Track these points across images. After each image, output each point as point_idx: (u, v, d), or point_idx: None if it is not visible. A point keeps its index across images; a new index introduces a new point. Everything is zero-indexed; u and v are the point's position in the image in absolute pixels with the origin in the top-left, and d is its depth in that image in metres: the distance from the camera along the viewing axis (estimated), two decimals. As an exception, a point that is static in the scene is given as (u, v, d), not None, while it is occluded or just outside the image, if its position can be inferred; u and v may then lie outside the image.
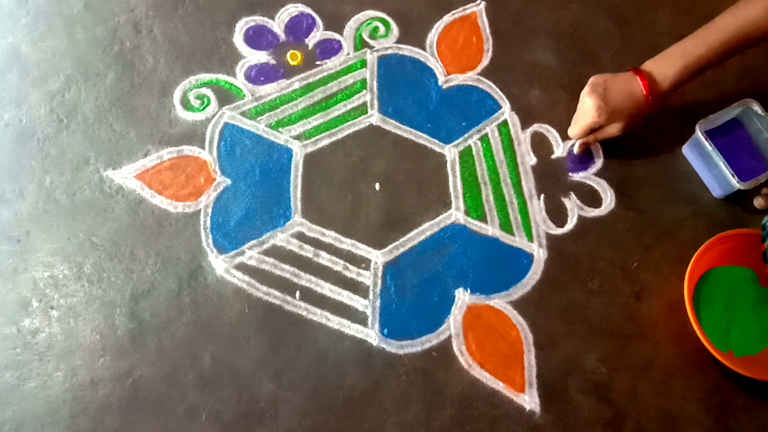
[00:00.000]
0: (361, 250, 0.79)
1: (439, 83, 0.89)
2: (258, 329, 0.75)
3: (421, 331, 0.76)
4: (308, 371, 0.73)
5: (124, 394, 0.71)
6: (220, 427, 0.71)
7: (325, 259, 0.78)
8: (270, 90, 0.87)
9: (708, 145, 0.79)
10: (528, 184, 0.84)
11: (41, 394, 0.71)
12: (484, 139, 0.86)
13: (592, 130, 0.80)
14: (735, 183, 0.77)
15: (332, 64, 0.89)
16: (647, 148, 0.86)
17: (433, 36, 0.92)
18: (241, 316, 0.75)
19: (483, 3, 0.95)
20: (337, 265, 0.78)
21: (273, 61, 0.89)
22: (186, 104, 0.86)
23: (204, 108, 0.85)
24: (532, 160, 0.85)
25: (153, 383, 0.72)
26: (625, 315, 0.77)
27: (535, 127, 0.87)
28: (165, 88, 0.86)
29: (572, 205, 0.83)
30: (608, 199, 0.83)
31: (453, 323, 0.76)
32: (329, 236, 0.80)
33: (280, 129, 0.85)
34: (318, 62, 0.89)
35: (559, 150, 0.86)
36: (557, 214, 0.82)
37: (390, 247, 0.79)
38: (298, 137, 0.85)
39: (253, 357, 0.73)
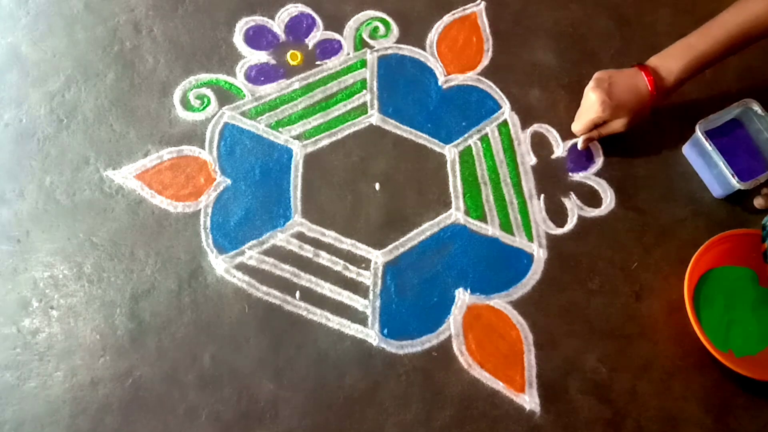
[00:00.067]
0: (361, 250, 0.79)
1: (439, 83, 0.89)
2: (258, 329, 0.75)
3: (421, 331, 0.76)
4: (308, 371, 0.73)
5: (124, 394, 0.71)
6: (220, 427, 0.71)
7: (325, 259, 0.78)
8: (270, 90, 0.87)
9: (708, 145, 0.79)
10: (528, 184, 0.84)
11: (41, 394, 0.71)
12: (484, 139, 0.86)
13: (596, 126, 0.80)
14: (735, 183, 0.77)
15: (332, 64, 0.89)
16: (647, 148, 0.86)
17: (433, 36, 0.92)
18: (241, 316, 0.75)
19: (483, 3, 0.95)
20: (337, 265, 0.78)
21: (273, 61, 0.89)
22: (186, 104, 0.86)
23: (204, 108, 0.85)
24: (532, 160, 0.85)
25: (153, 383, 0.72)
26: (625, 315, 0.77)
27: (535, 127, 0.87)
28: (165, 88, 0.86)
29: (572, 205, 0.83)
30: (608, 199, 0.83)
31: (453, 323, 0.76)
32: (329, 236, 0.80)
33: (280, 129, 0.85)
34: (318, 62, 0.89)
35: (559, 150, 0.86)
36: (557, 214, 0.82)
37: (390, 247, 0.79)
38: (298, 137, 0.85)
39: (253, 357, 0.73)
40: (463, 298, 0.77)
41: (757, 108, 0.81)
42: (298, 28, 0.91)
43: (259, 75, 0.88)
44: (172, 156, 0.83)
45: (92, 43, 0.89)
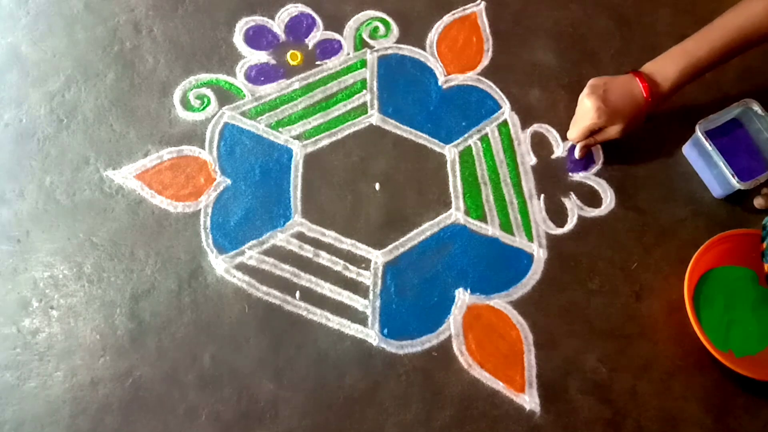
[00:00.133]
0: (361, 250, 0.79)
1: (439, 83, 0.89)
2: (258, 329, 0.75)
3: (421, 331, 0.76)
4: (308, 371, 0.73)
5: (124, 394, 0.71)
6: (220, 427, 0.71)
7: (325, 259, 0.78)
8: (270, 90, 0.87)
9: (708, 145, 0.79)
10: (528, 184, 0.84)
11: (41, 394, 0.71)
12: (484, 139, 0.86)
13: (592, 133, 0.80)
14: (735, 183, 0.77)
15: (332, 64, 0.89)
16: (647, 148, 0.86)
17: (433, 36, 0.92)
18: (241, 316, 0.75)
19: (483, 3, 0.95)
20: (337, 265, 0.78)
21: (273, 61, 0.89)
22: (186, 104, 0.86)
23: (204, 108, 0.85)
24: (532, 160, 0.85)
25: (153, 383, 0.72)
26: (625, 315, 0.77)
27: (535, 127, 0.87)
28: (165, 88, 0.86)
29: (572, 205, 0.83)
30: (608, 199, 0.83)
31: (453, 323, 0.76)
32: (329, 236, 0.80)
33: (280, 129, 0.85)
34: (318, 62, 0.89)
35: (559, 150, 0.86)
36: (557, 214, 0.82)
37: (390, 247, 0.79)
38: (298, 137, 0.85)
39: (253, 357, 0.73)
40: (463, 298, 0.77)
41: (757, 108, 0.81)
42: (298, 28, 0.91)
43: (259, 75, 0.88)
44: (172, 156, 0.83)
45: (92, 43, 0.89)
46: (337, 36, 0.91)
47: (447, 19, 0.93)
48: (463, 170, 0.84)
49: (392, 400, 0.72)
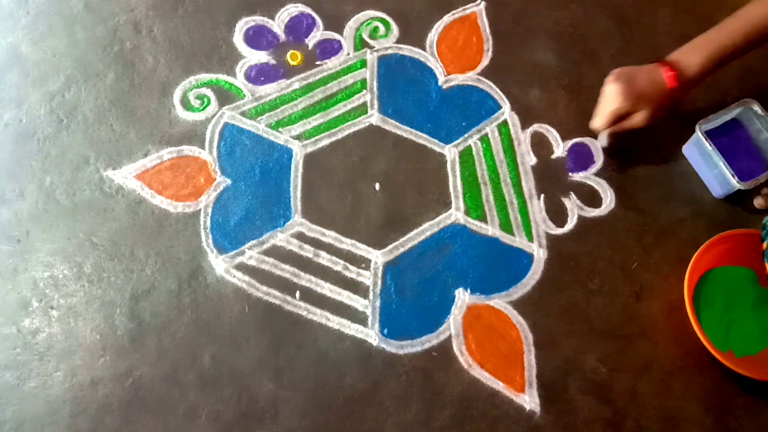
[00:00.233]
0: (361, 250, 0.79)
1: (439, 83, 0.89)
2: (258, 329, 0.75)
3: (421, 331, 0.76)
4: (308, 371, 0.73)
5: (124, 394, 0.71)
6: (220, 427, 0.71)
7: (325, 259, 0.78)
8: (270, 90, 0.87)
9: (708, 145, 0.79)
10: (528, 184, 0.84)
11: (41, 394, 0.71)
12: (484, 139, 0.86)
13: (615, 122, 0.78)
14: (735, 183, 0.77)
15: (332, 64, 0.89)
16: (647, 148, 0.86)
17: (433, 36, 0.92)
18: (241, 316, 0.75)
19: (483, 3, 0.95)
20: (337, 265, 0.78)
21: (273, 61, 0.89)
22: (186, 104, 0.86)
23: (204, 108, 0.85)
24: (532, 160, 0.85)
25: (153, 383, 0.72)
26: (625, 315, 0.77)
27: (535, 127, 0.87)
28: (165, 88, 0.86)
29: (572, 205, 0.83)
30: (608, 199, 0.83)
31: (453, 323, 0.76)
32: (329, 236, 0.80)
33: (280, 129, 0.85)
34: (318, 62, 0.89)
35: (559, 150, 0.86)
36: (557, 214, 0.82)
37: (390, 247, 0.79)
38: (298, 137, 0.85)
39: (253, 357, 0.73)
40: (463, 298, 0.77)
41: (757, 108, 0.81)
42: (298, 28, 0.91)
43: (259, 75, 0.88)
44: (172, 156, 0.83)
45: (92, 43, 0.89)
46: (337, 36, 0.91)
47: (447, 19, 0.93)
48: (463, 170, 0.84)
49: (392, 400, 0.72)
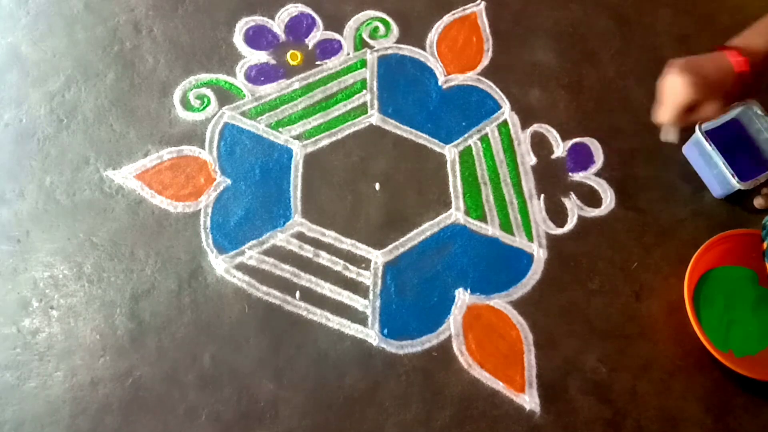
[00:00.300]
0: (361, 250, 0.79)
1: (439, 83, 0.89)
2: (258, 329, 0.75)
3: (421, 331, 0.76)
4: (308, 371, 0.73)
5: (124, 394, 0.71)
6: (220, 427, 0.71)
7: (325, 259, 0.78)
8: (270, 90, 0.87)
9: (708, 145, 0.79)
10: (528, 184, 0.84)
11: (41, 394, 0.71)
12: (484, 139, 0.86)
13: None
14: (735, 183, 0.77)
15: (332, 64, 0.89)
16: (647, 148, 0.86)
17: (433, 36, 0.92)
18: (241, 316, 0.75)
19: (483, 3, 0.95)
20: (337, 265, 0.78)
21: (273, 61, 0.89)
22: (186, 104, 0.86)
23: (204, 108, 0.85)
24: (532, 160, 0.85)
25: (153, 383, 0.72)
26: (625, 315, 0.77)
27: (535, 127, 0.87)
28: (165, 88, 0.86)
29: (572, 205, 0.83)
30: (608, 199, 0.83)
31: (453, 323, 0.76)
32: (329, 236, 0.80)
33: (280, 129, 0.85)
34: (318, 62, 0.89)
35: (559, 150, 0.86)
36: (557, 214, 0.82)
37: (390, 247, 0.79)
38: (298, 137, 0.85)
39: (253, 357, 0.73)
40: (463, 298, 0.77)
41: (757, 108, 0.81)
42: (298, 28, 0.91)
43: (259, 75, 0.88)
44: (172, 156, 0.83)
45: (92, 43, 0.89)
46: (337, 36, 0.91)
47: (447, 19, 0.93)
48: (463, 170, 0.84)
49: (392, 400, 0.72)
